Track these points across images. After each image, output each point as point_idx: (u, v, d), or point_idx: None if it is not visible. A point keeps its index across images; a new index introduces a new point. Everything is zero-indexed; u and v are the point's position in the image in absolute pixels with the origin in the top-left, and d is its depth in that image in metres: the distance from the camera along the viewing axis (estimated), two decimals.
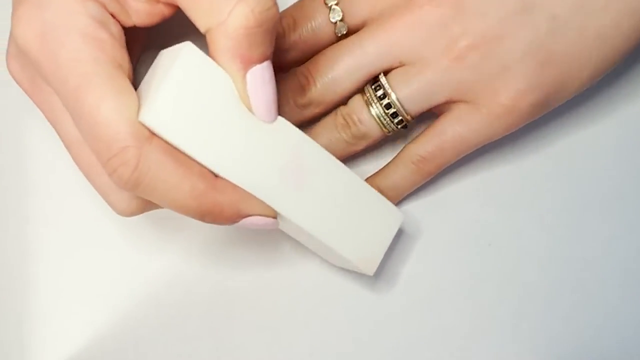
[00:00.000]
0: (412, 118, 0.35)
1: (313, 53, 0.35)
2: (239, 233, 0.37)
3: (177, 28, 0.32)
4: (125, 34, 0.29)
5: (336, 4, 0.34)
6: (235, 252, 0.37)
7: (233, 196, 0.29)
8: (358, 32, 0.34)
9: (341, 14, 0.34)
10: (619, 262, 0.38)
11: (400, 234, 0.38)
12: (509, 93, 0.33)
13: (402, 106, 0.34)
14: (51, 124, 0.30)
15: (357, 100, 0.35)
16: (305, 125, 0.36)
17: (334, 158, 0.31)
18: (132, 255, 0.37)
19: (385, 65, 0.34)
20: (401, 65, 0.34)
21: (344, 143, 0.35)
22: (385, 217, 0.33)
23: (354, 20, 0.34)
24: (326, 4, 0.34)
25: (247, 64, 0.28)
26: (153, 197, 0.28)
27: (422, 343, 0.38)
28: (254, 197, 0.29)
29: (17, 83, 0.30)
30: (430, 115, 0.36)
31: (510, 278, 0.38)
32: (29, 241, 0.37)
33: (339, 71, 0.34)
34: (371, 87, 0.34)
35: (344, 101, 0.35)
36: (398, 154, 0.36)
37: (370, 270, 0.33)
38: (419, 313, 0.38)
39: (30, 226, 0.37)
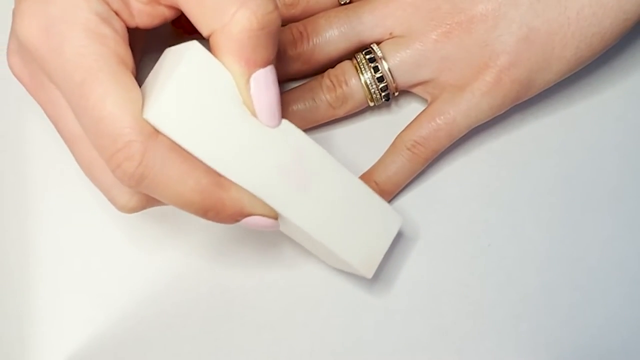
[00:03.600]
0: (397, 90, 0.36)
1: (312, 13, 0.37)
2: (239, 233, 0.37)
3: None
4: (129, 35, 0.29)
5: None
6: (236, 253, 0.37)
7: (236, 194, 0.29)
8: (357, 2, 0.36)
9: None
10: (619, 262, 0.38)
11: (400, 233, 0.38)
12: (491, 69, 0.35)
13: (392, 75, 0.35)
14: (52, 120, 0.30)
15: (347, 64, 0.36)
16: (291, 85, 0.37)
17: (336, 161, 0.31)
18: (132, 254, 0.37)
19: (377, 36, 0.36)
20: (391, 37, 0.36)
21: (326, 105, 0.36)
22: (385, 220, 0.33)
23: None
24: None
25: (251, 67, 0.28)
26: (157, 192, 0.28)
27: (422, 343, 0.38)
28: (257, 197, 0.29)
29: (18, 79, 0.30)
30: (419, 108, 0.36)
31: (510, 278, 0.38)
32: (29, 241, 0.37)
33: (332, 33, 0.36)
34: (363, 55, 0.36)
35: (332, 65, 0.36)
36: (392, 143, 0.37)
37: (369, 272, 0.33)
38: (419, 313, 0.38)
39: (30, 226, 0.37)
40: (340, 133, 0.38)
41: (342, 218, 0.31)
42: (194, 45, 0.28)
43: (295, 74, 0.37)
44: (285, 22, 0.37)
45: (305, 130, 0.37)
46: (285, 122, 0.30)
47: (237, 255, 0.38)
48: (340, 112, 0.37)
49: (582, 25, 0.34)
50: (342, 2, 0.37)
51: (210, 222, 0.30)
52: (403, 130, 0.36)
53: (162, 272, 0.37)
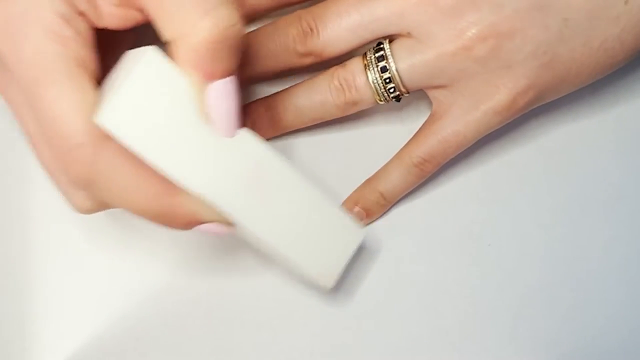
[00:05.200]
0: (407, 92, 0.34)
1: None
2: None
3: None
4: (109, 36, 0.29)
5: None
6: (236, 252, 0.37)
7: (189, 202, 0.28)
8: None
9: None
10: (619, 262, 0.38)
11: (400, 233, 0.38)
12: (509, 91, 0.33)
13: (400, 78, 0.34)
14: (15, 117, 0.30)
15: (356, 63, 0.35)
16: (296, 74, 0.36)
17: (297, 171, 0.31)
18: (132, 255, 0.37)
19: (392, 31, 0.34)
20: (408, 36, 0.34)
21: (335, 107, 0.35)
22: (347, 233, 0.33)
23: None
24: None
25: (209, 78, 0.27)
26: (107, 196, 0.28)
27: (422, 343, 0.38)
28: (210, 204, 0.29)
29: None
30: (427, 106, 0.36)
31: (510, 278, 0.38)
32: (30, 241, 0.37)
33: (344, 27, 0.34)
34: (373, 52, 0.34)
35: (343, 57, 0.35)
36: (397, 155, 0.36)
37: (328, 283, 0.33)
38: (419, 312, 0.38)
39: (30, 226, 0.37)
40: (342, 134, 0.38)
41: (301, 228, 0.31)
42: (152, 49, 0.27)
43: (305, 68, 0.35)
44: (287, 3, 0.36)
45: (308, 128, 0.37)
46: (243, 131, 0.29)
47: (237, 255, 0.37)
48: (348, 113, 0.36)
49: (600, 56, 0.33)
50: None
51: None
52: (409, 144, 0.36)
53: (161, 272, 0.37)
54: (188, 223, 0.29)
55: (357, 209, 0.37)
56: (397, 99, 0.35)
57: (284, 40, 0.34)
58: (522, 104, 0.34)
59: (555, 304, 0.38)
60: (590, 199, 0.39)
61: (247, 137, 0.29)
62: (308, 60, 0.35)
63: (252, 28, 0.36)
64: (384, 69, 0.34)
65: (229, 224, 0.30)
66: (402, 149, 0.36)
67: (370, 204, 0.37)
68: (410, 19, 0.33)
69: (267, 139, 0.36)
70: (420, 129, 0.36)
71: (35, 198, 0.37)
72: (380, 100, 0.35)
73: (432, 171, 0.36)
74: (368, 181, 0.37)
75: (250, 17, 0.36)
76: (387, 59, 0.34)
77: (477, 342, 0.38)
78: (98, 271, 0.37)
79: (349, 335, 0.38)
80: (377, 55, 0.34)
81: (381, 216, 0.38)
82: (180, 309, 0.37)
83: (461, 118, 0.34)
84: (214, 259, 0.37)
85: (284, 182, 0.30)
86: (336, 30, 0.34)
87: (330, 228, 0.32)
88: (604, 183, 0.39)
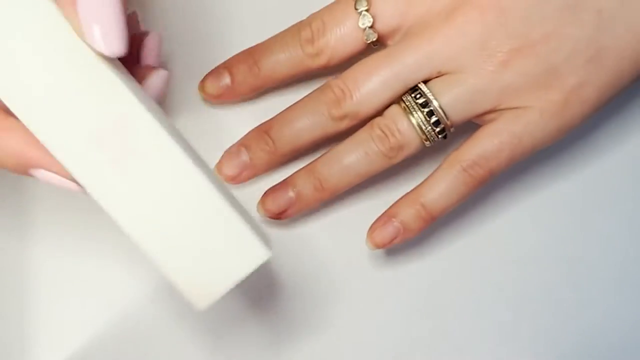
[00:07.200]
0: (452, 126, 0.33)
1: (341, 60, 0.34)
2: None
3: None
4: None
5: (366, 10, 0.33)
6: None
7: (21, 140, 0.25)
8: (395, 43, 0.34)
9: (371, 20, 0.33)
10: (619, 262, 0.38)
11: None
12: (559, 89, 0.32)
13: (445, 113, 0.33)
14: None
15: (395, 109, 0.34)
16: (337, 139, 0.35)
17: (182, 150, 0.24)
18: (132, 254, 0.37)
19: (423, 75, 0.33)
20: (440, 75, 0.33)
21: (381, 156, 0.34)
22: (244, 248, 0.26)
23: (385, 27, 0.33)
24: (356, 9, 0.33)
25: None
26: None
27: (422, 343, 0.38)
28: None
29: None
30: (472, 126, 0.35)
31: (510, 278, 0.38)
32: (29, 241, 0.37)
33: (375, 83, 0.33)
34: (410, 95, 0.33)
35: (380, 113, 0.34)
36: (444, 160, 0.34)
37: (201, 303, 0.26)
38: (419, 313, 0.38)
39: (30, 226, 0.37)
40: None
41: (173, 221, 0.25)
42: None
43: (346, 130, 0.34)
44: (315, 72, 0.35)
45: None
46: (123, 81, 0.24)
47: None
48: (396, 161, 0.34)
49: None
50: (369, 42, 0.34)
51: None
52: (459, 148, 0.34)
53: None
54: (20, 165, 0.26)
55: (395, 223, 0.34)
56: (444, 136, 0.33)
57: (319, 108, 0.34)
58: (577, 103, 0.33)
59: (555, 303, 0.38)
60: (590, 199, 0.39)
61: (118, 83, 0.24)
62: (344, 124, 0.34)
63: (267, 95, 0.36)
64: (429, 113, 0.33)
65: (70, 177, 0.25)
66: (450, 154, 0.34)
67: (409, 218, 0.34)
68: (440, 57, 0.32)
69: (314, 209, 0.36)
70: (472, 135, 0.34)
71: (34, 197, 0.37)
72: (427, 141, 0.33)
73: (482, 180, 0.34)
74: (409, 192, 0.35)
75: (264, 87, 0.36)
76: (427, 98, 0.33)
77: (477, 342, 0.38)
78: (98, 271, 0.37)
79: (348, 336, 0.38)
80: (416, 97, 0.33)
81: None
82: (180, 309, 0.37)
83: (514, 120, 0.33)
84: None
85: (158, 153, 0.24)
86: (369, 88, 0.33)
87: (220, 235, 0.25)
88: (604, 183, 0.39)
